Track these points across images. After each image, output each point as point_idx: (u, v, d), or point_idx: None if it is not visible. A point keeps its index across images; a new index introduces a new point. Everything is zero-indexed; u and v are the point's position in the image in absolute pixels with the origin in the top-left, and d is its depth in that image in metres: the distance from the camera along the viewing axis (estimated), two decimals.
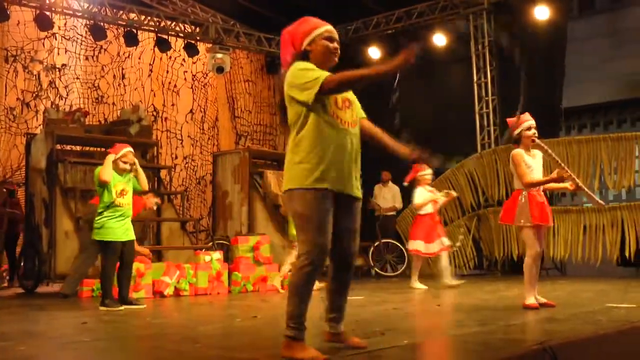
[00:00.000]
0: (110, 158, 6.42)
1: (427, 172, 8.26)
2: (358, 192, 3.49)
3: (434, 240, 8.16)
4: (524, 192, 5.40)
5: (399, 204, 11.51)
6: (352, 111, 3.46)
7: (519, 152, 5.44)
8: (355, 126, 3.46)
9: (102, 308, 6.26)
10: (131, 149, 6.62)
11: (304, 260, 3.29)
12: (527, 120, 5.49)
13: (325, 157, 3.31)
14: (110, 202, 6.37)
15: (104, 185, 6.34)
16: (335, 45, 3.41)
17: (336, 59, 3.43)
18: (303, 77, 3.27)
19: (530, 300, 5.29)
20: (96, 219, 6.42)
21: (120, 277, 6.59)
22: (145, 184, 6.74)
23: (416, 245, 8.20)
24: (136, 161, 6.61)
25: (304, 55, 3.39)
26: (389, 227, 11.39)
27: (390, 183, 11.58)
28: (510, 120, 5.69)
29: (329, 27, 3.44)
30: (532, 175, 5.40)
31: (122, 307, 6.30)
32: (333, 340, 3.52)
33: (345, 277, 3.53)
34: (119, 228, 6.38)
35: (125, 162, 6.48)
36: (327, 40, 3.38)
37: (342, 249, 3.48)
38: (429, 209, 8.29)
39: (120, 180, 6.44)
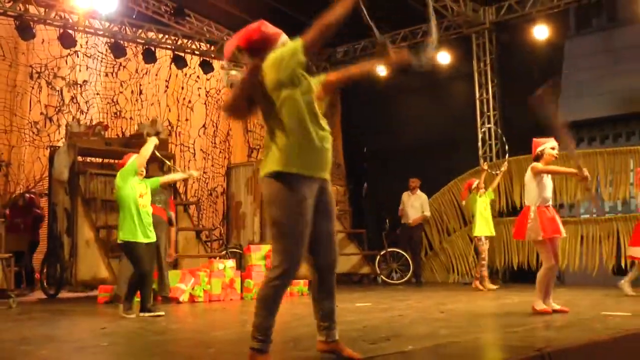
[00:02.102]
0: (152, 140, 6.50)
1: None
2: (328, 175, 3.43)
3: None
4: (532, 208, 5.81)
5: (427, 212, 11.28)
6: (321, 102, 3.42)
7: (540, 164, 5.90)
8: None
9: (141, 314, 6.19)
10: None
11: (275, 273, 3.25)
12: (551, 142, 5.96)
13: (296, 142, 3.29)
14: (134, 204, 6.30)
15: (141, 168, 6.40)
16: None
17: None
18: None
19: (541, 306, 5.65)
20: (120, 222, 6.39)
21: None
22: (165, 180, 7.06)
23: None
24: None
25: None
26: (414, 236, 11.24)
27: (418, 191, 11.31)
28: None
29: None
30: (546, 189, 5.85)
31: (162, 313, 6.15)
32: (328, 350, 3.45)
33: (331, 281, 3.45)
34: (140, 231, 6.31)
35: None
36: None
37: (325, 254, 3.41)
38: None
39: (138, 182, 6.44)
